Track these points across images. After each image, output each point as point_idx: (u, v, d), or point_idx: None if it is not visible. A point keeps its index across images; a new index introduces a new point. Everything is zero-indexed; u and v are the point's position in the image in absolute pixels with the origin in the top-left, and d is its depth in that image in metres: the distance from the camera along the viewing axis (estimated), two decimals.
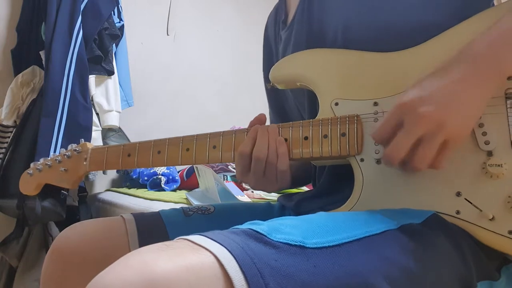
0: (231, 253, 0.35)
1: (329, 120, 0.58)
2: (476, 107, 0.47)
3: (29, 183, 0.77)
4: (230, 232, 0.39)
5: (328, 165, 0.66)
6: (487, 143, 0.50)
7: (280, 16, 0.79)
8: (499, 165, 0.48)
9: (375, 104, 0.56)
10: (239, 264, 0.34)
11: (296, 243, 0.38)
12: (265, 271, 0.34)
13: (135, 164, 0.69)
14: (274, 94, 0.84)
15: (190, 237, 0.37)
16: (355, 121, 0.56)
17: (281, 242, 0.38)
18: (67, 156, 0.74)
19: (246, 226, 0.41)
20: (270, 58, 0.85)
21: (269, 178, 0.59)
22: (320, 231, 0.42)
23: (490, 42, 0.47)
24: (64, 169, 0.74)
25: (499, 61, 0.46)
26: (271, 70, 0.66)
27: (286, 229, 0.41)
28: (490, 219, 0.48)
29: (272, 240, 0.38)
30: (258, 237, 0.38)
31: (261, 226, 0.40)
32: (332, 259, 0.38)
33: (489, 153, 0.50)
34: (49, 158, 0.76)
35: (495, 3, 0.60)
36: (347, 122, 0.57)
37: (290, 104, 0.79)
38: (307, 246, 0.39)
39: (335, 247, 0.40)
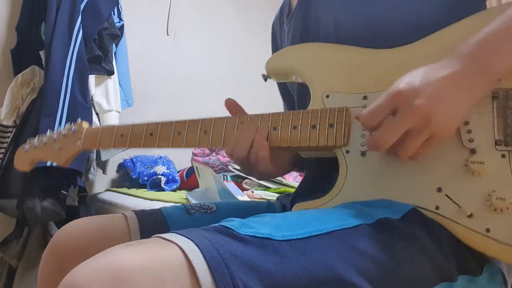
0: (196, 245, 0.36)
1: (319, 111, 0.59)
2: (463, 108, 0.48)
3: (24, 159, 0.79)
4: (201, 229, 0.40)
5: (321, 162, 0.66)
6: (471, 140, 0.50)
7: (284, 11, 0.81)
8: (481, 163, 0.49)
9: (365, 98, 0.57)
10: (203, 254, 0.35)
11: (263, 236, 0.39)
12: (230, 261, 0.35)
13: (127, 143, 0.70)
14: (282, 84, 0.86)
15: (163, 234, 0.38)
16: (344, 113, 0.57)
17: (248, 235, 0.39)
18: (62, 134, 0.76)
19: (219, 223, 0.42)
20: None
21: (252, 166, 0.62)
22: (291, 225, 0.42)
23: (478, 45, 0.47)
24: (58, 147, 0.75)
25: (486, 63, 0.47)
26: (266, 62, 0.68)
27: (256, 224, 0.41)
28: (468, 216, 0.48)
29: (240, 233, 0.39)
30: (226, 231, 0.39)
31: (231, 223, 0.41)
32: (300, 251, 0.39)
33: (472, 151, 0.50)
34: (45, 136, 0.78)
35: (487, 5, 0.61)
36: (336, 113, 0.58)
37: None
38: (274, 238, 0.39)
39: (304, 240, 0.40)
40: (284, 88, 0.86)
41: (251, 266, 0.35)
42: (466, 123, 0.51)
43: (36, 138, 0.78)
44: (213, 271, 0.34)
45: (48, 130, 0.80)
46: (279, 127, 0.60)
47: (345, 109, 0.57)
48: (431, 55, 0.51)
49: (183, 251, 0.35)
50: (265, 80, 0.72)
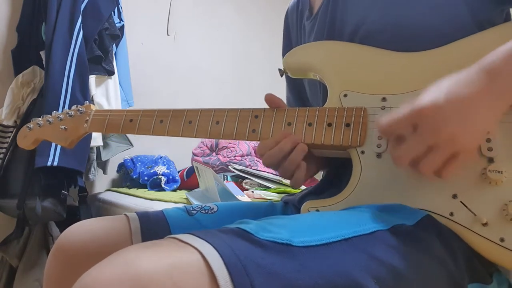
0: (216, 250, 0.35)
1: (336, 110, 0.58)
2: (488, 125, 0.47)
3: (27, 137, 0.76)
4: (218, 231, 0.39)
5: (333, 160, 0.66)
6: (490, 149, 0.49)
7: (305, 6, 0.79)
8: (499, 172, 0.48)
9: (383, 99, 0.57)
10: (224, 261, 0.34)
11: (283, 241, 0.38)
12: (251, 269, 0.34)
13: (135, 130, 0.68)
14: (293, 79, 0.85)
15: (178, 235, 0.38)
16: (361, 114, 0.57)
17: (268, 241, 0.38)
18: (69, 115, 0.73)
19: (234, 225, 0.41)
20: (289, 46, 0.86)
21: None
22: (308, 230, 0.42)
23: (505, 61, 0.45)
24: (64, 128, 0.72)
25: None
26: (284, 57, 0.67)
27: (274, 228, 0.41)
28: (483, 224, 0.48)
29: (259, 238, 0.38)
30: (245, 235, 0.39)
31: (249, 225, 0.40)
32: (319, 258, 0.38)
33: (491, 160, 0.49)
34: (50, 116, 0.75)
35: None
36: (353, 113, 0.57)
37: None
38: (294, 244, 0.39)
39: (323, 246, 0.40)
40: (297, 85, 0.84)
41: (272, 274, 0.35)
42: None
43: (41, 117, 0.75)
44: (234, 280, 0.33)
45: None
46: (294, 123, 0.59)
47: (362, 109, 0.57)
48: (452, 62, 0.50)
49: (202, 256, 0.34)
50: (281, 75, 0.70)
